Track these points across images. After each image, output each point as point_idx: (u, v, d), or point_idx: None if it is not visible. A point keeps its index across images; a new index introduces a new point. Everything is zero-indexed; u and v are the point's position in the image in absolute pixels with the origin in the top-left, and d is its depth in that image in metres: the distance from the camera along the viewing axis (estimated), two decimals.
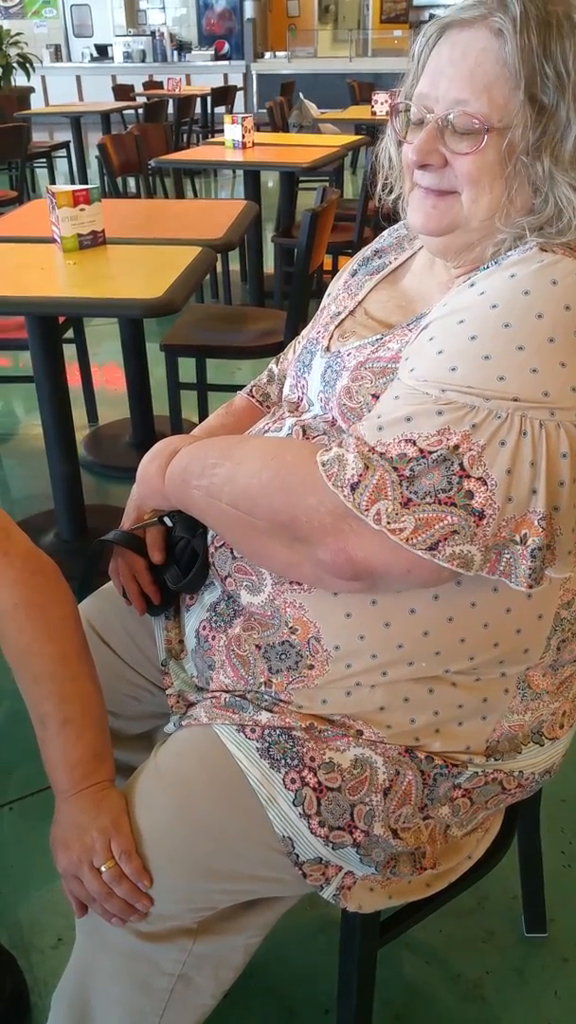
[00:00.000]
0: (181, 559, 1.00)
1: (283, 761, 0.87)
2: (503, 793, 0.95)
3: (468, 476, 0.75)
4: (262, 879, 0.92)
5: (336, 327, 1.01)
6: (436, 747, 0.90)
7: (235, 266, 5.04)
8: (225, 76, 12.90)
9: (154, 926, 0.90)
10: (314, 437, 0.93)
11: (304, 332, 1.11)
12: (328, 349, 0.99)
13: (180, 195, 4.90)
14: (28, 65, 10.31)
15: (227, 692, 0.95)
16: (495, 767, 0.92)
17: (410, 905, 1.00)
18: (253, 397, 1.19)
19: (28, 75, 10.37)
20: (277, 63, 13.17)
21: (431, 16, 14.06)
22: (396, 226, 1.10)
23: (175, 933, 0.92)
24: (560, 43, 0.79)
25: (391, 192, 0.97)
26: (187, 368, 2.70)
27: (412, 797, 0.88)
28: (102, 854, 0.87)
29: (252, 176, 4.27)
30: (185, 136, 7.95)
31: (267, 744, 0.88)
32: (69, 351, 2.55)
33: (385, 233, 1.12)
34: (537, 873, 1.34)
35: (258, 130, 4.38)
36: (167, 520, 1.02)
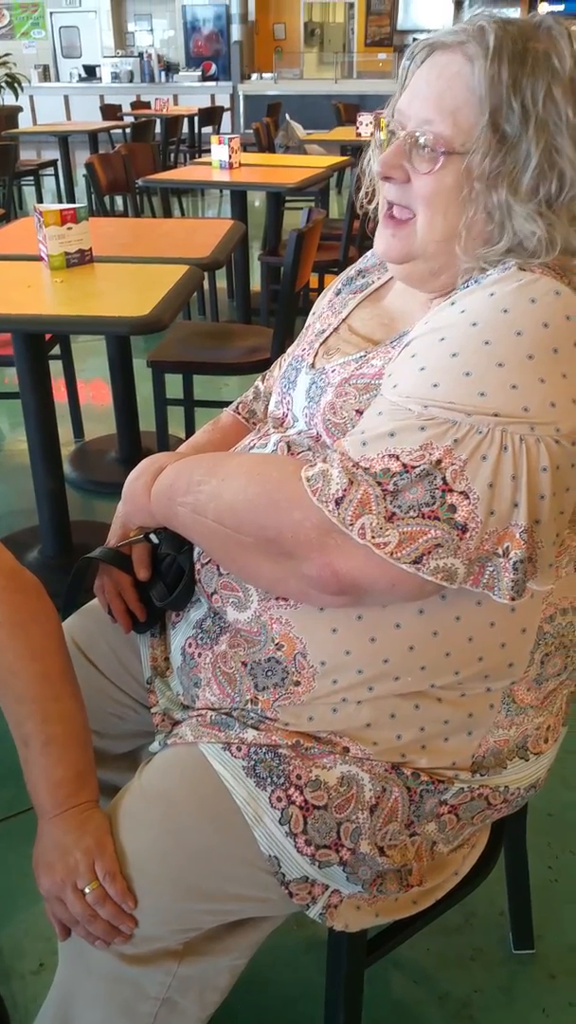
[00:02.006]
0: (167, 576, 1.00)
1: (269, 779, 0.87)
2: (489, 809, 0.95)
3: (451, 490, 0.76)
4: (248, 898, 0.91)
5: (321, 344, 1.02)
6: (422, 763, 0.90)
7: (222, 283, 5.07)
8: (212, 97, 13.04)
9: (138, 948, 0.89)
10: (299, 453, 0.93)
11: (290, 349, 1.12)
12: (313, 366, 1.00)
13: (167, 214, 4.92)
14: (16, 85, 10.38)
15: (213, 710, 0.94)
16: (481, 783, 0.92)
17: (397, 923, 1.00)
18: (239, 414, 1.19)
19: (16, 95, 10.45)
20: (263, 84, 13.32)
21: (414, 39, 14.28)
22: None
23: (160, 955, 0.91)
24: (532, 79, 0.80)
25: (371, 200, 0.98)
26: (173, 384, 2.71)
27: (399, 814, 0.88)
28: (86, 875, 0.87)
29: (239, 196, 4.30)
30: (172, 155, 8.01)
31: (253, 762, 0.88)
32: (55, 367, 2.56)
33: (368, 253, 1.14)
34: (524, 889, 1.34)
35: (245, 150, 4.42)
36: (153, 537, 1.02)
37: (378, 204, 0.96)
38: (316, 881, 0.89)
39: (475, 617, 0.85)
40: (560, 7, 13.29)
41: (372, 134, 0.96)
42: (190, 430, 3.01)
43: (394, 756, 0.89)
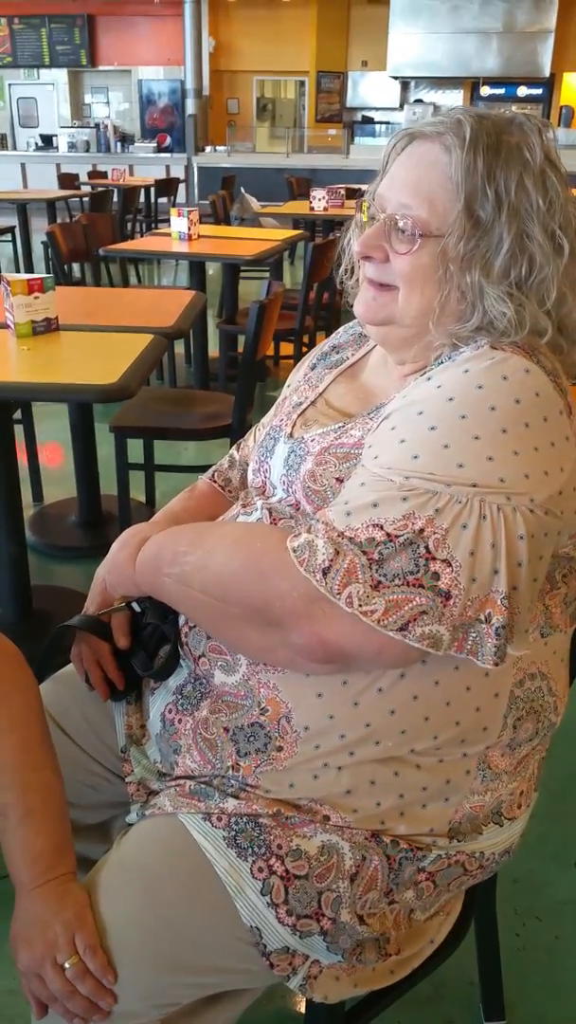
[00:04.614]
0: (149, 644, 1.01)
1: (250, 850, 0.87)
2: (465, 875, 0.96)
3: (434, 558, 0.79)
4: (229, 971, 0.90)
5: (299, 416, 1.05)
6: (401, 830, 0.91)
7: (179, 349, 5.14)
8: (167, 168, 13.37)
9: None
10: (281, 520, 0.96)
11: (265, 420, 1.15)
12: (291, 435, 1.03)
13: (125, 282, 5.01)
14: None
15: (191, 779, 0.95)
16: (458, 848, 0.94)
17: (372, 995, 0.99)
18: (215, 482, 1.22)
19: None
20: (217, 157, 13.72)
21: (363, 117, 14.94)
22: (352, 323, 1.17)
23: None
24: (505, 170, 0.87)
25: (351, 275, 1.04)
26: (133, 447, 2.73)
27: (378, 882, 0.89)
28: (66, 949, 0.85)
29: (198, 266, 4.41)
30: (130, 225, 8.15)
31: (234, 832, 0.88)
32: (16, 430, 2.56)
33: (341, 330, 1.19)
34: (494, 957, 1.34)
35: (201, 222, 4.55)
36: (136, 606, 1.03)
37: (357, 280, 1.02)
38: (297, 952, 0.88)
39: (453, 682, 0.88)
40: (501, 91, 14.09)
41: (354, 216, 1.02)
42: (150, 494, 3.02)
43: (373, 823, 0.90)
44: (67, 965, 0.85)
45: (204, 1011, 0.95)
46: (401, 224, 0.90)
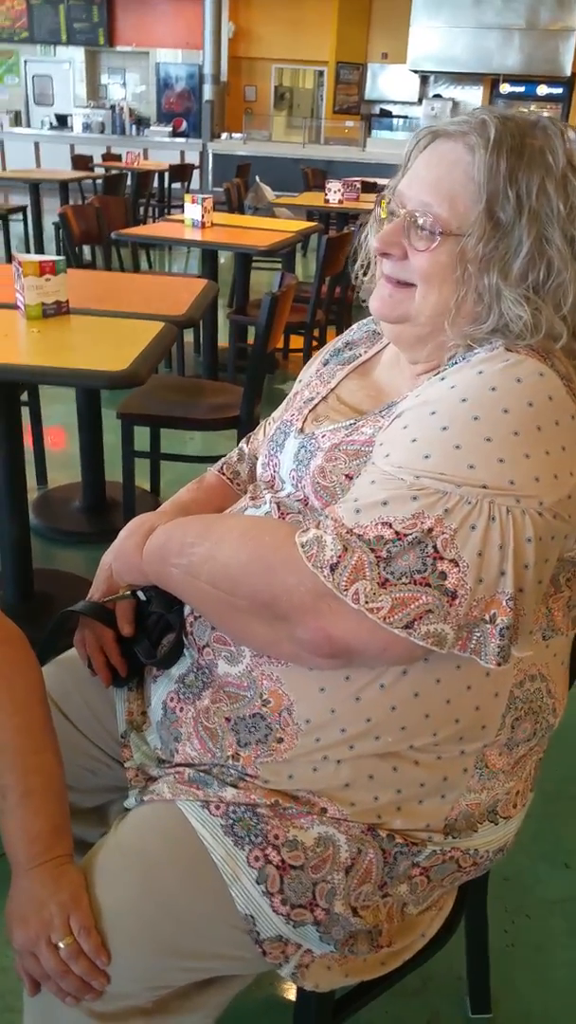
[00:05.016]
0: (153, 633, 1.02)
1: (247, 839, 0.88)
2: (459, 871, 0.97)
3: (441, 558, 0.80)
4: (222, 957, 0.91)
5: (310, 411, 1.06)
6: (397, 825, 0.92)
7: (189, 338, 5.13)
8: (182, 153, 13.30)
9: (108, 1006, 0.89)
10: (289, 515, 0.97)
11: (276, 414, 1.16)
12: (302, 431, 1.03)
13: (136, 267, 5.00)
14: None
15: (191, 767, 0.96)
16: (452, 845, 0.95)
17: (362, 985, 1.01)
18: (224, 474, 1.22)
19: None
20: (233, 144, 13.65)
21: (381, 110, 14.87)
22: (365, 320, 1.17)
23: (129, 1013, 0.90)
24: (527, 173, 0.87)
25: (367, 272, 1.04)
26: (139, 435, 2.74)
27: (373, 875, 0.90)
28: (60, 929, 0.86)
29: (210, 255, 4.40)
30: (143, 209, 8.13)
31: (231, 821, 0.89)
32: (22, 413, 2.57)
33: (355, 326, 1.19)
34: (483, 952, 1.35)
35: (214, 209, 4.53)
36: (141, 594, 1.04)
37: (372, 276, 1.02)
38: (289, 940, 0.90)
39: (453, 680, 0.89)
40: (521, 88, 14.01)
41: (374, 210, 1.02)
42: (155, 482, 3.03)
43: (370, 817, 0.91)
44: (61, 945, 0.86)
45: (196, 994, 0.96)
46: (421, 221, 0.90)
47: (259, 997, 1.39)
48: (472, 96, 14.28)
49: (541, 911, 1.60)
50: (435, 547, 0.79)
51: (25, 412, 3.02)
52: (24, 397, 3.00)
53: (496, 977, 1.39)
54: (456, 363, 0.90)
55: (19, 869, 0.90)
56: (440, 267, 0.90)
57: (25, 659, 0.96)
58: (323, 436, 0.99)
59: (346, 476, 0.93)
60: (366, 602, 0.80)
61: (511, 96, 14.05)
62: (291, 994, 1.38)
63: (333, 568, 0.81)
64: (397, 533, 0.80)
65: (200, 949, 0.90)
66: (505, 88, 14.12)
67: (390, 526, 0.81)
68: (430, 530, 0.80)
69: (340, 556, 0.81)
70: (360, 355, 1.12)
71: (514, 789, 0.98)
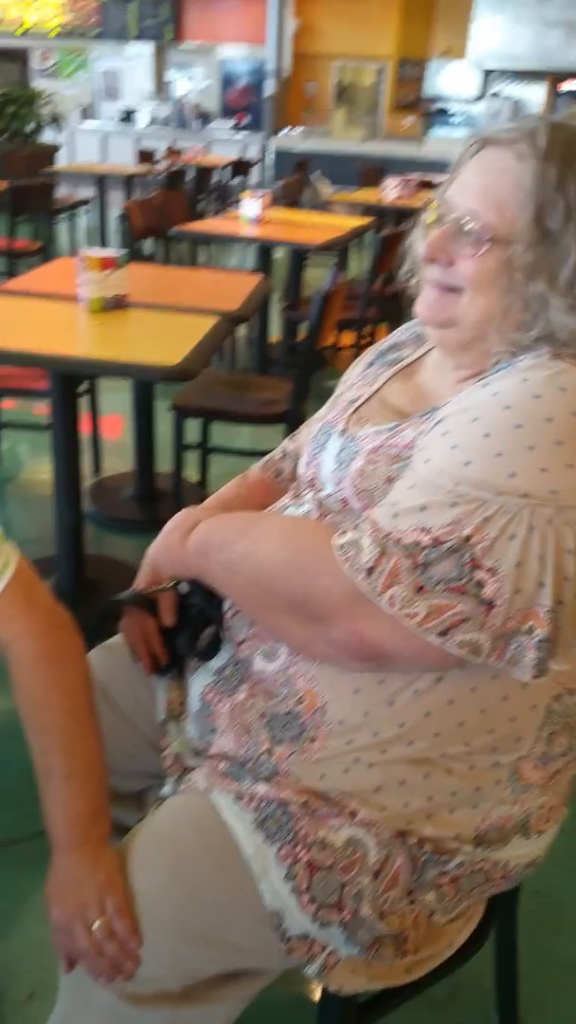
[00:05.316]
0: (194, 626, 1.03)
1: (278, 835, 0.89)
2: (488, 883, 0.97)
3: (479, 567, 0.79)
4: (249, 950, 0.92)
5: (353, 412, 1.06)
6: (427, 832, 0.92)
7: (240, 332, 5.15)
8: (244, 147, 13.36)
9: (139, 988, 0.91)
10: (329, 515, 0.97)
11: (319, 415, 1.16)
12: (344, 432, 1.03)
13: (194, 260, 5.04)
14: (58, 123, 10.69)
15: (226, 759, 0.97)
16: (482, 856, 0.94)
17: (387, 991, 1.01)
18: (267, 472, 1.23)
19: (60, 132, 10.75)
20: (293, 140, 13.64)
21: (440, 108, 14.72)
22: (412, 322, 1.16)
23: (159, 998, 0.92)
24: None
25: (413, 276, 1.03)
26: (190, 426, 2.77)
27: (400, 881, 0.90)
28: (95, 910, 0.88)
29: (264, 249, 4.41)
30: (202, 204, 8.18)
31: (263, 816, 0.90)
32: (81, 401, 2.61)
33: (401, 328, 1.19)
34: (512, 968, 1.33)
35: (273, 203, 4.54)
36: (183, 587, 1.05)
37: (418, 281, 1.01)
38: (316, 940, 0.90)
39: (490, 690, 0.88)
40: None
41: (421, 215, 1.02)
42: (204, 475, 3.05)
43: (400, 823, 0.91)
44: (96, 925, 0.88)
45: (223, 986, 0.97)
46: (468, 227, 0.89)
47: (284, 994, 1.39)
48: (533, 94, 14.02)
49: (573, 929, 1.58)
50: (472, 555, 0.79)
51: (83, 401, 3.08)
52: (84, 387, 3.05)
53: (526, 994, 1.37)
54: (500, 370, 0.89)
55: (59, 848, 0.93)
56: (487, 273, 0.89)
57: (75, 643, 0.98)
58: (365, 438, 0.99)
59: (386, 479, 0.92)
60: (401, 607, 0.80)
61: (573, 95, 13.73)
62: (317, 994, 1.38)
63: (369, 572, 0.81)
64: (435, 539, 0.80)
65: (226, 940, 0.91)
66: (565, 86, 13.81)
67: (428, 532, 0.80)
68: (468, 538, 0.79)
69: (377, 560, 0.81)
70: (405, 357, 1.12)
71: (547, 804, 0.97)
